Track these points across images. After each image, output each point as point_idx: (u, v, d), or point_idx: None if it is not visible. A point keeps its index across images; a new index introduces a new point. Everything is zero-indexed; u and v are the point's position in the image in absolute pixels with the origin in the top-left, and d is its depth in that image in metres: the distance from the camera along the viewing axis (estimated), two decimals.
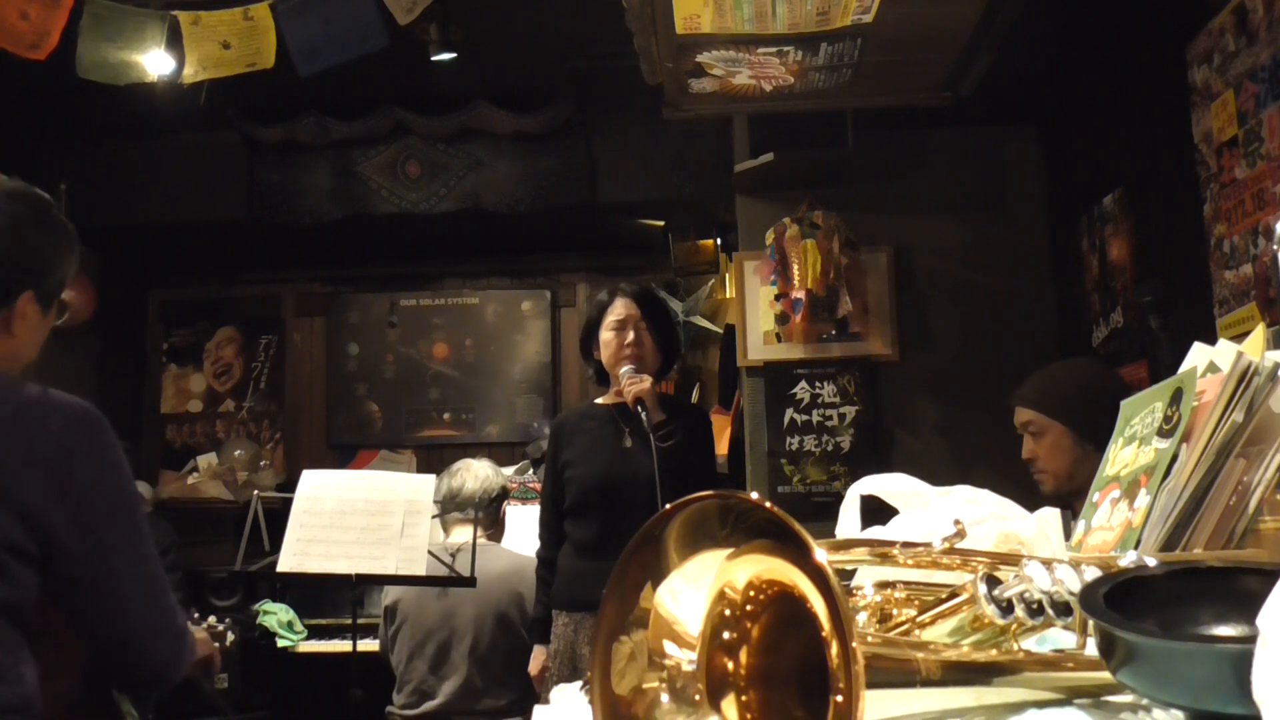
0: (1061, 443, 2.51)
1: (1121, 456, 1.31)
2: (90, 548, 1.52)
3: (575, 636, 3.14)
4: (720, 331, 4.99)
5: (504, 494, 3.75)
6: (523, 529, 4.26)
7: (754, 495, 0.84)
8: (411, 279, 6.58)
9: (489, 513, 3.63)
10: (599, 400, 3.35)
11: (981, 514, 1.38)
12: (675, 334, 3.47)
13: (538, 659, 3.29)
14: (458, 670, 3.46)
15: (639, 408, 3.06)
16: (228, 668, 4.63)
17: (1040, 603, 0.91)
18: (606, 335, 3.23)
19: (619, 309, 3.24)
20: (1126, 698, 0.92)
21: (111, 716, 1.75)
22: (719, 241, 5.25)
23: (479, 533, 3.53)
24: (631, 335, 3.20)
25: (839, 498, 1.69)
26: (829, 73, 3.24)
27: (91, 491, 1.53)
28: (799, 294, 3.94)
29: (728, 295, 4.80)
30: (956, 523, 1.06)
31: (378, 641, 3.77)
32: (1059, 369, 2.67)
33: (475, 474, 3.68)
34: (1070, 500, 2.36)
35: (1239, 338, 1.35)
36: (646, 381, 3.11)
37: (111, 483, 1.56)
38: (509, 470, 5.27)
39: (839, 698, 0.75)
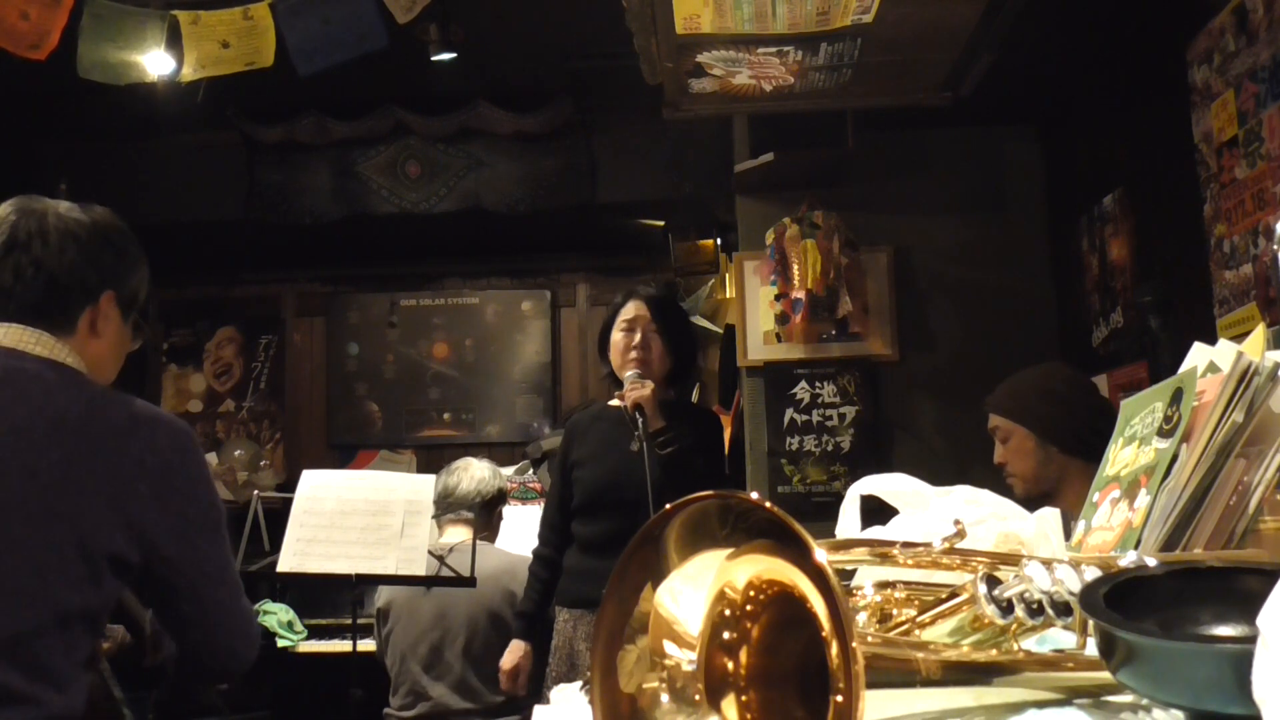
0: (1025, 446, 2.51)
1: (1121, 456, 1.31)
2: (188, 556, 1.63)
3: (574, 633, 3.14)
4: (720, 331, 4.99)
5: (501, 497, 3.73)
6: (522, 529, 4.26)
7: (754, 495, 0.84)
8: (411, 279, 6.58)
9: (482, 515, 3.62)
10: (612, 401, 3.35)
11: (981, 514, 1.38)
12: (689, 339, 3.42)
13: (514, 653, 3.28)
14: (451, 670, 3.46)
15: (638, 414, 3.05)
16: None
17: (1040, 603, 0.91)
18: (617, 336, 3.24)
19: (629, 310, 3.25)
20: (1126, 698, 0.92)
21: (114, 716, 1.78)
22: (719, 241, 5.25)
23: (470, 534, 3.53)
24: (639, 337, 3.20)
25: (839, 498, 1.69)
26: (829, 73, 3.24)
27: (190, 504, 1.64)
28: (799, 294, 3.94)
29: (728, 295, 4.80)
30: (956, 523, 1.06)
31: (375, 643, 3.76)
32: (1024, 374, 2.64)
33: (472, 474, 3.67)
34: (1042, 504, 2.35)
35: (1239, 338, 1.35)
36: (647, 389, 3.10)
37: (205, 496, 1.68)
38: (509, 470, 5.27)
39: (839, 698, 0.75)
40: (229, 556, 1.71)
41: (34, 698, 1.48)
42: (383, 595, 3.58)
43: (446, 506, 3.61)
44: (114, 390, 1.68)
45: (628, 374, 3.15)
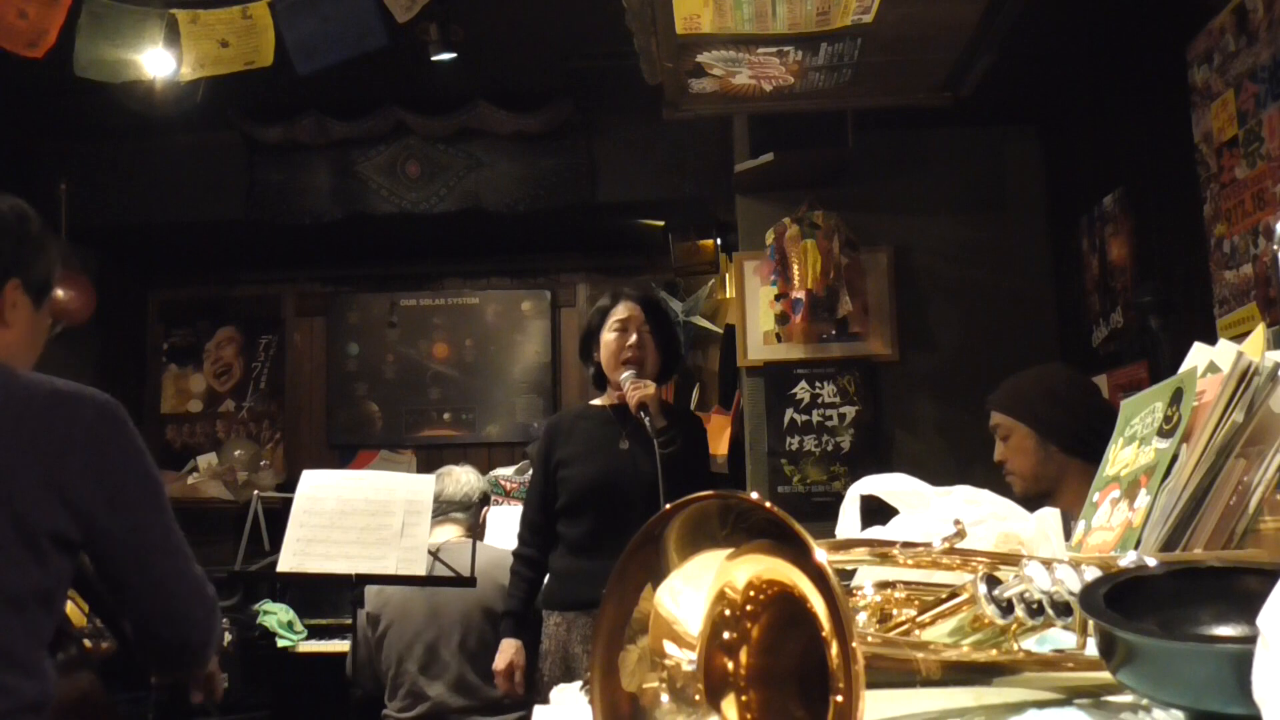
0: (1025, 444, 2.52)
1: (1121, 456, 1.31)
2: (127, 528, 1.63)
3: (568, 636, 3.13)
4: (720, 331, 4.99)
5: (485, 499, 3.76)
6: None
7: (754, 495, 0.84)
8: (411, 279, 6.58)
9: (469, 516, 3.65)
10: (594, 401, 3.34)
11: (981, 514, 1.38)
12: (677, 340, 3.46)
13: (507, 652, 3.23)
14: (449, 669, 3.45)
15: (642, 413, 3.04)
16: (228, 668, 4.63)
17: (1040, 603, 0.90)
18: (608, 336, 3.22)
19: (622, 311, 3.24)
20: (1126, 698, 0.92)
21: (111, 714, 1.79)
22: (719, 241, 5.25)
23: (460, 532, 3.55)
24: (634, 337, 3.19)
25: (839, 498, 1.69)
26: (829, 73, 3.24)
27: (124, 475, 1.64)
28: (799, 294, 3.94)
29: (728, 295, 4.80)
30: (956, 523, 1.06)
31: (365, 650, 3.66)
32: (1026, 374, 2.65)
33: (456, 478, 3.69)
34: (1041, 503, 2.35)
35: (1239, 338, 1.34)
36: (651, 388, 3.10)
37: (139, 467, 1.67)
38: (509, 470, 5.27)
39: (839, 698, 0.75)
40: (172, 525, 1.70)
41: (3, 686, 1.49)
42: (371, 600, 3.54)
43: (435, 509, 3.62)
44: (34, 373, 1.68)
45: (624, 375, 3.14)
